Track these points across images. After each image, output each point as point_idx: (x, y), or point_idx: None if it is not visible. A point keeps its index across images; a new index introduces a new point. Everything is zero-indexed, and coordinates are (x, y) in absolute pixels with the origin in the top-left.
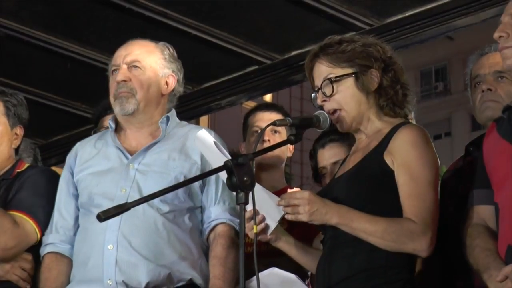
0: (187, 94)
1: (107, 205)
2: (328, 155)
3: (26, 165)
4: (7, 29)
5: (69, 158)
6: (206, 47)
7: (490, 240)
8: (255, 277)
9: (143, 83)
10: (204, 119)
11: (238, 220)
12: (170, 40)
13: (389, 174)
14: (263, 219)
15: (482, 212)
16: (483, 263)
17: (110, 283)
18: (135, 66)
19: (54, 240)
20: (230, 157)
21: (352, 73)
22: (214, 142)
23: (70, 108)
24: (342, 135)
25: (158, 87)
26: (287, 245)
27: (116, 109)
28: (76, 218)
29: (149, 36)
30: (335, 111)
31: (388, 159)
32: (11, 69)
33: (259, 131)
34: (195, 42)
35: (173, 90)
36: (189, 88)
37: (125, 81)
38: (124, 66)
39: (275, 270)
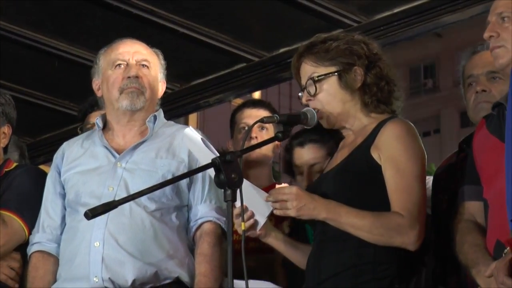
0: (175, 92)
1: (94, 203)
2: (307, 156)
3: (14, 164)
4: None
5: (56, 157)
6: (194, 44)
7: (479, 236)
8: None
9: (150, 82)
10: (193, 116)
11: (224, 219)
12: (158, 38)
13: (376, 168)
14: (252, 215)
15: (472, 208)
16: (472, 258)
17: (97, 281)
18: (145, 65)
19: (41, 239)
20: (217, 154)
21: (335, 72)
22: (202, 139)
23: (58, 107)
24: (323, 136)
25: (158, 89)
26: (276, 241)
27: (124, 102)
28: (63, 217)
29: (137, 34)
30: (319, 109)
31: (375, 154)
32: None
33: (246, 128)
34: (183, 39)
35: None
36: (177, 86)
37: (137, 77)
38: (134, 62)
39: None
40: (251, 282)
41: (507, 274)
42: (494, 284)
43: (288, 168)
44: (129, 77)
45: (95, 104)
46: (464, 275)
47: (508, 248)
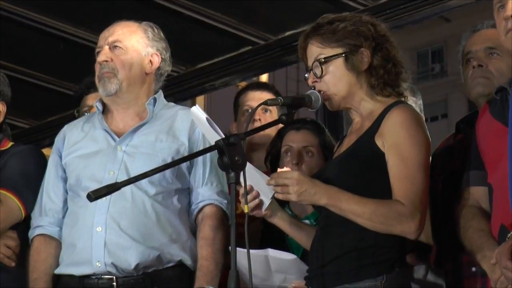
0: (180, 75)
1: (95, 187)
2: (302, 138)
3: (10, 144)
4: (0, 9)
5: (57, 141)
6: (200, 27)
7: (483, 221)
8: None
9: (124, 62)
10: (200, 99)
11: (226, 201)
12: (163, 20)
13: (380, 156)
14: (258, 195)
15: (476, 193)
16: (477, 243)
17: (99, 265)
18: (117, 46)
19: (43, 222)
20: (222, 134)
21: (342, 53)
22: (207, 118)
23: (63, 89)
24: (319, 128)
25: (141, 66)
26: (282, 221)
27: (100, 90)
28: (65, 201)
29: (142, 16)
30: (325, 90)
31: (379, 141)
32: (4, 49)
33: (250, 110)
34: (188, 22)
35: (159, 69)
36: (183, 69)
37: (106, 61)
38: (106, 47)
39: (270, 252)
40: (274, 252)
41: (510, 258)
42: (498, 270)
43: (271, 158)
44: (100, 64)
45: (91, 85)
46: (460, 258)
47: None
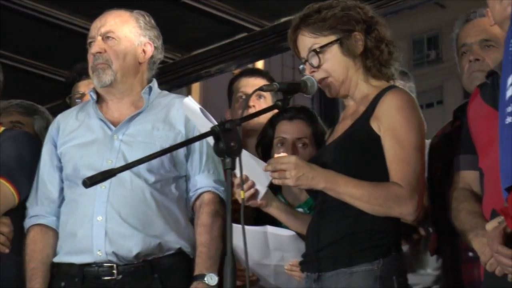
0: (176, 62)
1: None
2: (296, 129)
3: (2, 129)
4: None
5: (51, 130)
6: (195, 14)
7: (476, 204)
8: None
9: (118, 53)
10: (196, 87)
11: (222, 188)
12: (159, 7)
13: (376, 139)
14: (253, 184)
15: (467, 177)
16: (470, 223)
17: (100, 254)
18: (110, 37)
19: (39, 212)
20: (216, 123)
21: (336, 40)
22: (200, 108)
23: (59, 77)
24: (311, 116)
25: (135, 56)
26: (277, 211)
27: (94, 81)
28: (61, 190)
29: (137, 3)
30: (324, 78)
31: (374, 125)
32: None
33: (244, 97)
34: (184, 9)
35: (151, 58)
36: (178, 55)
37: (100, 52)
38: (99, 38)
39: (269, 229)
40: (272, 228)
41: (501, 242)
42: (488, 252)
43: (263, 145)
44: (94, 55)
45: (83, 72)
46: (457, 243)
47: (502, 217)
